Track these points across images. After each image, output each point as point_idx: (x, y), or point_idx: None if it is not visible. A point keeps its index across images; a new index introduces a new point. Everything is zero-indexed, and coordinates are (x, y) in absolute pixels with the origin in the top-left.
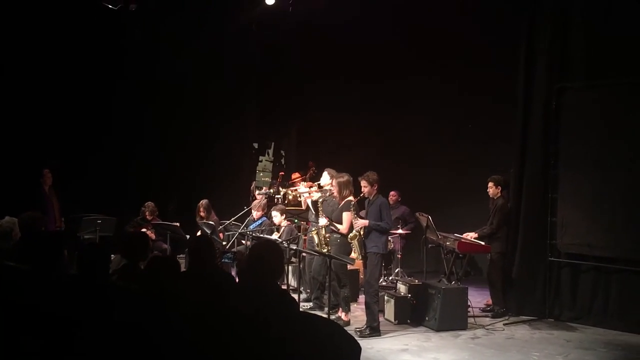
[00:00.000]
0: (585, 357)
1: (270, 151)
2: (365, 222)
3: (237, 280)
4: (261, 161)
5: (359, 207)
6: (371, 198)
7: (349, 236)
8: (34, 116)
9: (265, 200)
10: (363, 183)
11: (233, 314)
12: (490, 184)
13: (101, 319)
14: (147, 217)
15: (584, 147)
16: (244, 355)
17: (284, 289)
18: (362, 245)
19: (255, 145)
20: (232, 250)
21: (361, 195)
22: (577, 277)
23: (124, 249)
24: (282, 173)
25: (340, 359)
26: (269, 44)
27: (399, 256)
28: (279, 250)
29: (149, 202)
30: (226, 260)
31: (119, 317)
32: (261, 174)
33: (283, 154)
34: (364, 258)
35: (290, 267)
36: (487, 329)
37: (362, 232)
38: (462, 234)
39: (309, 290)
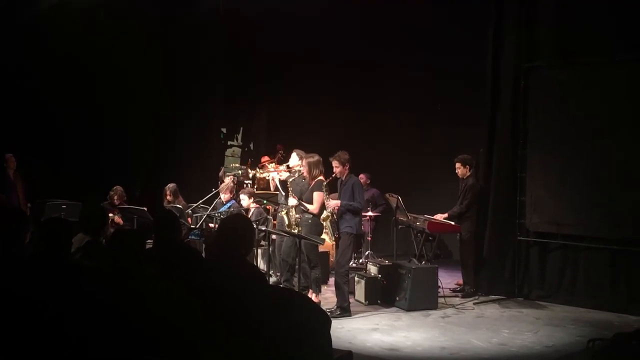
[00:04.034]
0: (555, 334)
1: (239, 136)
2: (337, 202)
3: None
4: (230, 146)
5: (330, 188)
6: (344, 178)
7: (321, 217)
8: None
9: (233, 183)
10: (335, 163)
11: (201, 287)
12: (458, 165)
13: (64, 298)
14: (115, 201)
15: (552, 127)
16: (213, 328)
17: (252, 263)
18: (335, 227)
19: (224, 130)
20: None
21: (332, 175)
22: (546, 256)
23: (82, 224)
24: (251, 160)
25: (310, 329)
26: (237, 27)
27: (369, 238)
28: (249, 223)
29: (117, 187)
30: (194, 237)
31: (82, 296)
32: (230, 159)
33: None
34: (337, 239)
35: (259, 250)
36: (457, 308)
37: (334, 213)
38: (432, 216)
39: (278, 274)
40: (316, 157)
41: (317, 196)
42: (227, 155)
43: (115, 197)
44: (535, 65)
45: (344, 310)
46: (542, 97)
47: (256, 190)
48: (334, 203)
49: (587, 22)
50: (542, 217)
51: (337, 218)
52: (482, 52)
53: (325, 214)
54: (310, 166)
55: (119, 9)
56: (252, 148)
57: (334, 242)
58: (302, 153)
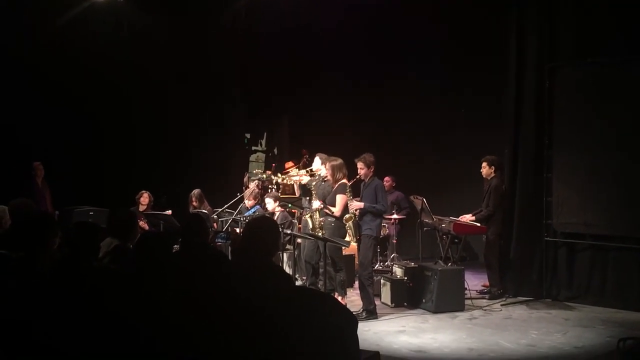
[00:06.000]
0: (584, 334)
1: (263, 141)
2: (361, 204)
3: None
4: (254, 152)
5: (354, 192)
6: (367, 180)
7: (344, 218)
8: (27, 109)
9: (258, 189)
10: (360, 165)
11: (227, 290)
12: (484, 164)
13: (89, 304)
14: (142, 205)
15: (577, 126)
16: (241, 331)
17: (279, 265)
18: (357, 228)
19: (248, 135)
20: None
21: (357, 177)
22: (574, 256)
23: (110, 228)
24: (274, 165)
25: (337, 330)
26: (258, 34)
27: (394, 241)
28: (275, 226)
29: (144, 191)
30: (220, 241)
31: (108, 301)
32: (254, 165)
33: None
34: (358, 241)
35: (285, 254)
36: (484, 310)
37: (357, 214)
38: (457, 218)
39: (304, 278)
40: (339, 161)
41: (340, 199)
42: (251, 161)
43: (142, 200)
44: (559, 64)
45: (370, 312)
46: (567, 96)
47: (282, 195)
48: (357, 204)
49: (610, 21)
50: (570, 217)
51: (359, 219)
52: (505, 51)
53: (348, 214)
54: (334, 169)
55: (140, 31)
56: (276, 153)
57: (357, 244)
58: (324, 157)
